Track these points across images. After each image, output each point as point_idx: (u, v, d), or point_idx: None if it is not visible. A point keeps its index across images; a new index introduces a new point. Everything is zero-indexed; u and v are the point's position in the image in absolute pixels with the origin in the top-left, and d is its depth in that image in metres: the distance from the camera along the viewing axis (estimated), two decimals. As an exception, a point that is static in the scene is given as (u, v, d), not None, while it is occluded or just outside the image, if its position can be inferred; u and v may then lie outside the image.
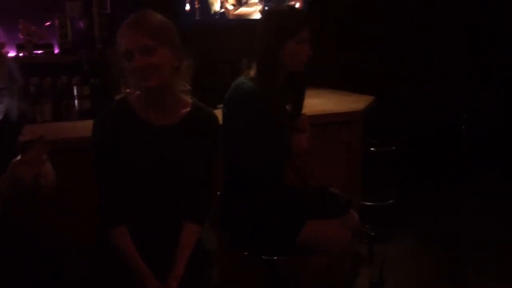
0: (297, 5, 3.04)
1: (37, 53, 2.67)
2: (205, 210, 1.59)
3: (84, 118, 2.42)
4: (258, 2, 2.97)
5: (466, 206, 3.48)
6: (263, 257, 1.85)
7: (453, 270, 2.72)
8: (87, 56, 2.59)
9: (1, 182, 1.33)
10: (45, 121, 2.52)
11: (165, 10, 1.58)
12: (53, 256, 1.64)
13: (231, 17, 2.92)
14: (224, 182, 1.93)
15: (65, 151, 1.89)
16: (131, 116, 1.52)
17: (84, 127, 1.62)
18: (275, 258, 1.85)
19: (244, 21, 2.93)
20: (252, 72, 1.86)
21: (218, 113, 1.78)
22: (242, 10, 2.94)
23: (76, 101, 2.55)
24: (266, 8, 2.94)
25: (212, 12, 2.88)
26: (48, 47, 2.71)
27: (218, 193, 1.93)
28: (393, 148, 3.06)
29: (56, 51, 2.72)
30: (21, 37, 2.65)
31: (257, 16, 2.95)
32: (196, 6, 2.83)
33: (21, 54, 2.64)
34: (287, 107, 1.97)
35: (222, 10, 2.90)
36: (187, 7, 2.81)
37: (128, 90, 1.57)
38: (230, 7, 2.92)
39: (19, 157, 1.33)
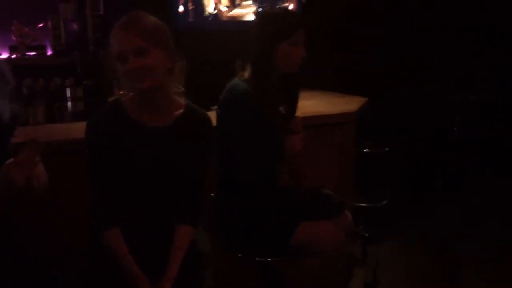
0: (291, 6, 3.05)
1: (30, 55, 2.67)
2: (198, 212, 1.59)
3: (77, 120, 2.41)
4: (252, 4, 2.98)
5: (460, 207, 3.50)
6: (257, 258, 1.84)
7: (446, 271, 2.73)
8: (80, 57, 2.59)
9: None
10: (38, 123, 2.51)
11: (158, 11, 1.58)
12: (48, 259, 1.63)
13: (224, 18, 2.92)
14: (218, 183, 1.93)
15: (58, 153, 1.88)
16: (124, 118, 1.52)
17: (77, 129, 1.61)
18: (268, 259, 1.85)
19: (237, 22, 2.94)
20: (246, 74, 1.86)
21: (212, 114, 1.79)
22: (236, 11, 2.95)
23: (69, 103, 2.55)
24: (259, 9, 2.95)
25: (207, 13, 2.88)
26: (41, 49, 2.70)
27: (212, 194, 1.93)
28: (387, 149, 3.08)
29: (49, 52, 2.71)
30: (14, 38, 2.64)
31: (251, 17, 2.96)
32: (190, 7, 2.83)
33: (13, 56, 2.63)
34: (281, 108, 1.97)
35: (215, 11, 2.90)
36: (181, 8, 2.81)
37: (121, 92, 1.57)
38: (224, 9, 2.92)
39: (11, 159, 1.33)
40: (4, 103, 1.48)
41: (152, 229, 1.52)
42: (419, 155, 3.98)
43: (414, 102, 3.96)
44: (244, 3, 2.96)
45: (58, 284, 1.55)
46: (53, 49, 2.68)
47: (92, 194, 1.50)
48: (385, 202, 3.08)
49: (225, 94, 1.85)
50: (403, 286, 2.63)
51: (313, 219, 1.84)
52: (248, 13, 2.97)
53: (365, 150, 2.99)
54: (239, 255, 1.86)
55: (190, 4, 2.82)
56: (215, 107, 1.92)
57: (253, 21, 2.91)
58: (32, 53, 2.67)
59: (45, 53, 2.71)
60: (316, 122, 2.35)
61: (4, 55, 2.60)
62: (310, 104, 2.57)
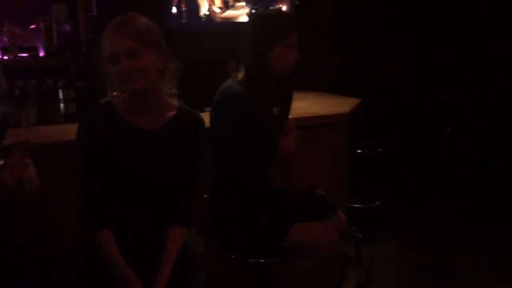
0: (284, 8, 3.05)
1: (22, 56, 2.65)
2: (191, 213, 1.59)
3: (70, 122, 2.40)
4: (245, 5, 2.98)
5: (453, 207, 3.52)
6: (250, 260, 1.84)
7: (440, 271, 2.75)
8: (73, 59, 2.58)
9: None
10: (30, 124, 2.49)
11: (151, 12, 1.57)
12: (46, 259, 1.63)
13: (217, 20, 2.92)
14: (212, 185, 1.93)
15: (52, 155, 1.88)
16: (116, 119, 1.51)
17: (70, 131, 1.60)
18: (262, 261, 1.85)
19: (231, 24, 2.94)
20: (240, 75, 1.86)
21: (205, 116, 1.79)
22: (229, 13, 2.95)
23: (61, 104, 2.53)
24: (253, 11, 2.95)
25: (200, 15, 2.87)
26: (33, 50, 2.69)
27: (205, 196, 1.93)
28: (380, 150, 3.09)
29: (41, 54, 2.70)
30: (6, 40, 2.62)
31: (244, 19, 2.96)
32: (183, 9, 2.83)
33: (5, 57, 2.61)
34: (274, 110, 1.97)
35: (209, 13, 2.90)
36: (174, 10, 2.81)
37: (114, 93, 1.56)
38: (217, 10, 2.92)
39: (2, 162, 1.32)
40: None
41: (145, 231, 1.51)
42: (412, 155, 4.00)
43: (407, 103, 3.98)
44: (237, 4, 2.96)
45: (58, 284, 1.54)
46: (45, 50, 2.67)
47: (82, 195, 1.50)
48: (378, 202, 3.09)
49: (218, 96, 1.85)
50: (396, 286, 2.65)
51: (306, 220, 1.84)
52: (241, 14, 2.97)
53: (358, 151, 3.00)
54: (233, 256, 1.86)
55: (183, 5, 2.82)
56: (208, 108, 1.92)
57: (246, 22, 2.91)
58: (24, 54, 2.66)
59: (37, 54, 2.69)
60: (309, 123, 2.35)
61: (-4, 57, 2.59)
62: (303, 105, 2.58)
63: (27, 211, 1.67)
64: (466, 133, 4.05)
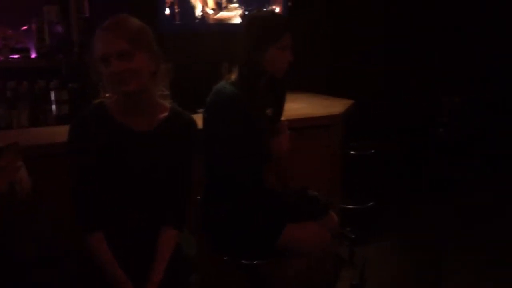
0: (277, 9, 3.06)
1: (13, 57, 2.63)
2: (184, 215, 1.59)
3: (62, 123, 2.38)
4: (238, 7, 2.98)
5: (446, 208, 3.54)
6: (243, 261, 1.84)
7: (432, 272, 2.76)
8: (65, 60, 2.56)
9: None
10: (22, 126, 2.48)
11: (145, 14, 1.57)
12: (42, 261, 1.62)
13: (211, 21, 2.92)
14: (205, 186, 1.92)
15: (44, 157, 1.87)
16: (108, 121, 1.51)
17: (62, 132, 1.60)
18: (255, 262, 1.85)
19: (224, 25, 2.94)
20: (233, 77, 1.86)
21: (198, 117, 1.78)
22: (222, 14, 2.95)
23: (53, 106, 2.52)
24: (246, 12, 2.95)
25: (193, 16, 2.87)
26: (25, 51, 2.67)
27: (198, 197, 1.92)
28: (373, 151, 3.10)
29: (33, 55, 2.68)
30: (-3, 41, 2.60)
31: (237, 20, 2.96)
32: (176, 10, 2.82)
33: (-3, 58, 2.59)
34: (268, 111, 1.98)
35: (202, 14, 2.90)
36: (167, 11, 2.80)
37: (107, 95, 1.56)
38: (210, 12, 2.92)
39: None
40: None
41: (137, 233, 1.51)
42: (405, 156, 4.02)
43: (401, 104, 4.00)
44: (230, 6, 2.96)
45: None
46: (37, 52, 2.65)
47: (74, 197, 1.49)
48: (371, 203, 3.10)
49: (211, 97, 1.85)
50: (390, 287, 2.65)
51: (299, 221, 1.85)
52: (234, 16, 2.97)
53: (351, 152, 3.01)
54: (226, 257, 1.85)
55: (176, 7, 2.81)
56: (201, 110, 1.92)
57: (240, 24, 2.92)
58: (16, 56, 2.64)
59: (29, 55, 2.67)
60: (303, 125, 2.36)
61: (-13, 58, 2.57)
62: (297, 107, 2.58)
63: (18, 213, 1.65)
64: (459, 133, 4.08)
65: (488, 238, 3.09)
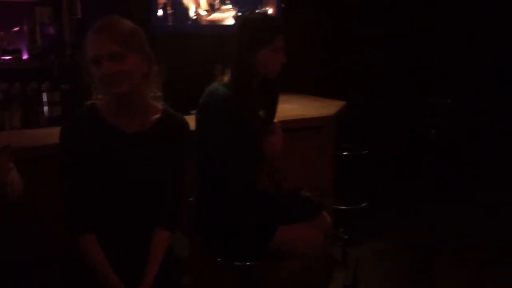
0: (270, 11, 3.06)
1: (5, 59, 2.62)
2: (176, 216, 1.59)
3: (54, 125, 2.37)
4: (231, 8, 2.98)
5: (439, 208, 3.56)
6: (236, 263, 1.85)
7: (425, 273, 2.77)
8: (57, 61, 2.55)
9: None
10: (14, 128, 2.46)
11: (137, 15, 1.57)
12: (25, 265, 1.61)
13: (204, 23, 2.92)
14: (198, 188, 1.92)
15: (36, 158, 1.86)
16: (100, 122, 1.50)
17: (54, 134, 1.59)
18: (248, 263, 1.85)
19: (217, 27, 2.94)
20: (226, 78, 1.87)
21: (191, 119, 1.78)
22: (215, 16, 2.95)
23: (46, 108, 2.50)
24: (239, 14, 2.96)
25: (186, 17, 2.87)
26: (17, 53, 2.65)
27: (191, 199, 1.92)
28: (366, 152, 3.12)
29: (25, 56, 2.67)
30: (-11, 42, 2.59)
31: (230, 22, 2.96)
32: (169, 11, 2.82)
33: (-12, 60, 2.58)
34: (260, 113, 1.98)
35: (195, 16, 2.90)
36: (160, 12, 2.80)
37: (100, 96, 1.56)
38: (203, 13, 2.92)
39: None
40: None
41: (129, 235, 1.50)
42: (398, 157, 4.04)
43: (393, 105, 4.02)
44: (223, 7, 2.96)
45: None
46: (29, 53, 2.64)
47: (66, 199, 1.48)
48: (364, 204, 3.11)
49: (204, 98, 1.86)
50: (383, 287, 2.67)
51: (292, 222, 1.85)
52: (227, 17, 2.97)
53: (344, 153, 3.02)
54: (218, 259, 1.85)
55: (169, 8, 2.81)
56: (194, 111, 1.92)
57: (233, 25, 2.92)
58: (8, 57, 2.62)
59: (21, 57, 2.66)
60: (295, 126, 2.37)
61: (-21, 59, 2.55)
62: (290, 108, 2.59)
63: (10, 215, 1.65)
64: (452, 134, 4.11)
65: (483, 238, 3.11)
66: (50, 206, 1.79)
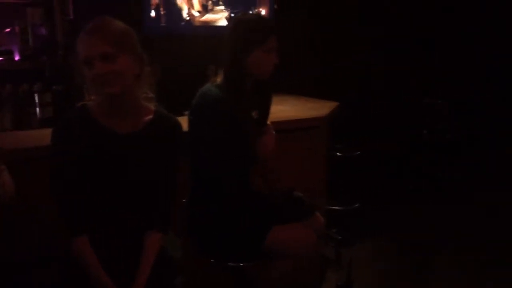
0: (263, 12, 3.07)
1: (-4, 60, 2.60)
2: (169, 217, 1.59)
3: (46, 126, 2.36)
4: (224, 9, 2.99)
5: (431, 209, 3.58)
6: (229, 263, 1.85)
7: (418, 273, 2.78)
8: (49, 62, 2.54)
9: None
10: (5, 129, 2.45)
11: (130, 16, 1.57)
12: (19, 267, 1.60)
13: (197, 24, 2.92)
14: (191, 189, 1.92)
15: (28, 160, 1.85)
16: (91, 123, 1.50)
17: (46, 136, 1.59)
18: (241, 264, 1.85)
19: (210, 28, 2.94)
20: (219, 79, 1.87)
21: (184, 120, 1.78)
22: (208, 17, 2.95)
23: (37, 109, 2.49)
24: (232, 15, 2.96)
25: (179, 18, 2.87)
26: (8, 54, 2.64)
27: (184, 200, 1.92)
28: (358, 152, 3.13)
29: (17, 57, 2.66)
30: (-20, 43, 2.57)
31: (223, 23, 2.96)
32: (162, 12, 2.82)
33: (-20, 61, 2.56)
34: (253, 113, 1.98)
35: (188, 17, 2.90)
36: (153, 13, 2.80)
37: (92, 97, 1.55)
38: (196, 14, 2.92)
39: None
40: None
41: (121, 236, 1.50)
42: (390, 158, 4.06)
43: (385, 105, 4.04)
44: (216, 8, 2.96)
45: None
46: (21, 54, 2.62)
47: (58, 201, 1.47)
48: (357, 205, 3.12)
49: (197, 99, 1.86)
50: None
51: (285, 222, 1.85)
52: (220, 18, 2.97)
53: (337, 153, 3.03)
54: (212, 260, 1.85)
55: (162, 9, 2.81)
56: (187, 112, 1.92)
57: (226, 26, 2.92)
58: (-1, 58, 2.61)
59: (13, 58, 2.64)
60: (288, 127, 2.37)
61: (-30, 60, 2.53)
62: (282, 109, 2.60)
63: (10, 216, 1.64)
64: (445, 135, 4.13)
65: (476, 238, 3.12)
66: (42, 207, 1.79)
